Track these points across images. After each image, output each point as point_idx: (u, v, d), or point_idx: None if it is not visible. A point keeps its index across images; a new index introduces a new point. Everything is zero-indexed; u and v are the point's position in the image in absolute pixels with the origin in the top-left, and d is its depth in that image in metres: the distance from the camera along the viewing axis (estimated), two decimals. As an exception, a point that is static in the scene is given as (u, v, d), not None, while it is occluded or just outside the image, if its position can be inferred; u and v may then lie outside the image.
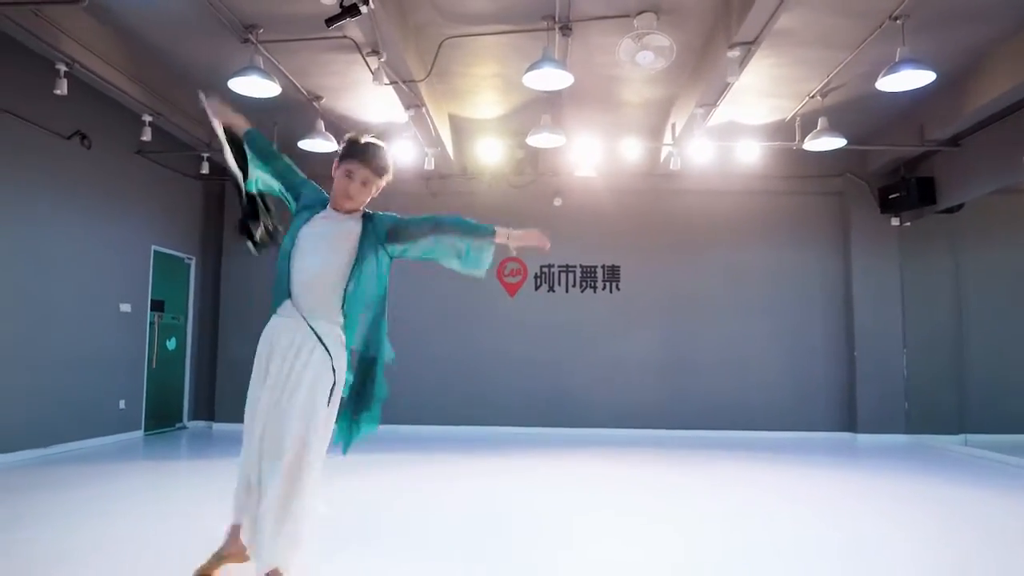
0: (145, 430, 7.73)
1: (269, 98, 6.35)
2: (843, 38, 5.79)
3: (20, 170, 6.05)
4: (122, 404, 7.30)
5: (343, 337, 2.67)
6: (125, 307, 7.35)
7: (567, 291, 8.87)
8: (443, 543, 3.62)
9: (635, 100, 7.46)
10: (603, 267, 8.86)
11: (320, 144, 7.26)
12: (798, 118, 7.36)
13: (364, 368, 2.78)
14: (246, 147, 2.82)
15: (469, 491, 5.09)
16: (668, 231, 8.86)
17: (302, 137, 7.26)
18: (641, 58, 5.59)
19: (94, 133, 6.86)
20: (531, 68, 5.42)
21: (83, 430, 6.74)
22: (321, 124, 7.24)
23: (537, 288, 8.87)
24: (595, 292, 8.85)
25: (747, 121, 7.76)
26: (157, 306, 8.05)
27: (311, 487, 2.49)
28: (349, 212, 2.74)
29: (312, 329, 2.58)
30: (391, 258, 2.80)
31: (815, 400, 8.60)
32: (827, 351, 8.67)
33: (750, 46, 5.27)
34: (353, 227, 2.73)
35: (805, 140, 7.13)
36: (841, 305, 8.72)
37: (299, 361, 2.55)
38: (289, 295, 2.64)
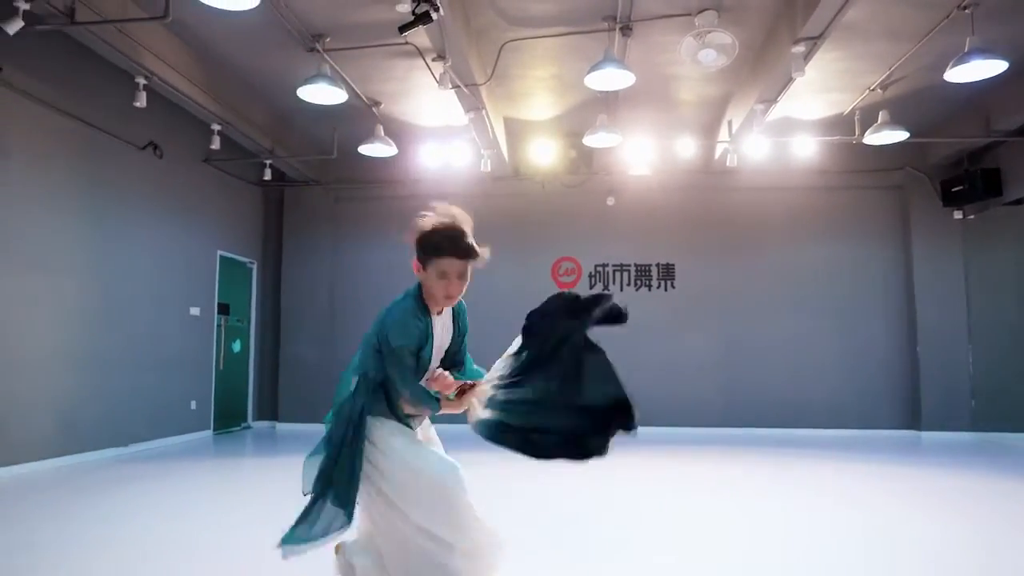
0: (214, 430, 7.98)
1: (326, 105, 6.54)
2: (909, 29, 5.71)
3: (99, 179, 6.32)
4: (193, 405, 7.55)
5: None
6: (195, 311, 7.60)
7: (621, 289, 8.88)
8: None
9: (691, 98, 7.46)
10: (658, 265, 8.86)
11: (379, 148, 7.42)
12: (857, 112, 7.27)
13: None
14: None
15: (521, 492, 5.14)
16: (723, 228, 8.82)
17: (361, 142, 7.43)
18: (703, 56, 5.61)
19: (165, 143, 7.12)
20: (593, 69, 5.48)
21: (158, 430, 6.99)
22: (380, 129, 7.39)
23: (592, 287, 8.90)
24: (650, 290, 8.85)
25: (804, 116, 7.69)
26: (223, 309, 8.30)
27: None
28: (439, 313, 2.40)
29: None
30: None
31: (877, 397, 8.46)
32: (889, 347, 8.53)
33: (816, 41, 5.24)
34: (449, 324, 2.51)
35: (865, 134, 7.04)
36: (903, 300, 8.58)
37: None
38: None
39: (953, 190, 8.13)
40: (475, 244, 2.34)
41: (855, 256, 8.67)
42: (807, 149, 7.83)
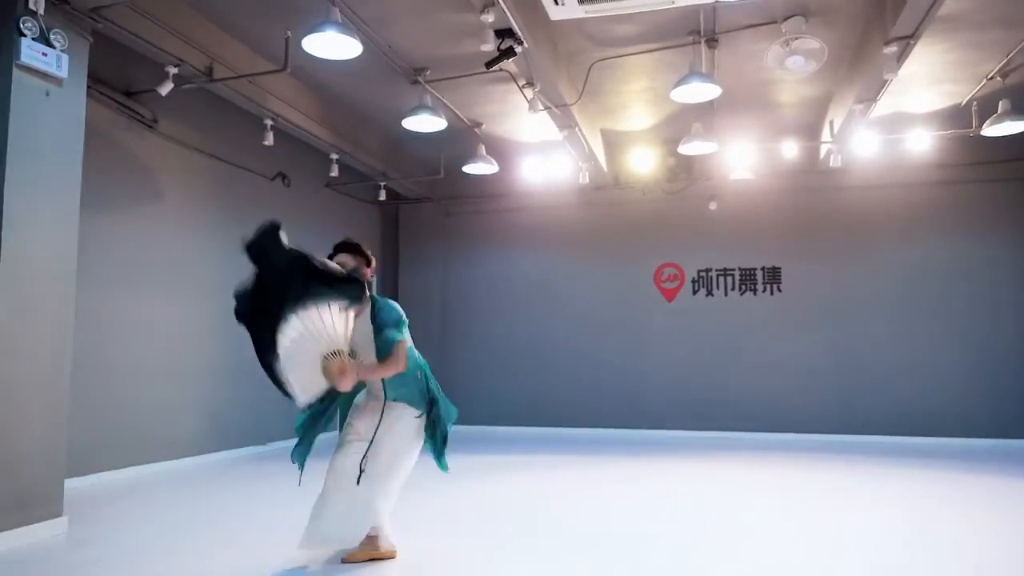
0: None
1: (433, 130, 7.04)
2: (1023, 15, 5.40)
3: (236, 209, 7.16)
4: (322, 407, 8.33)
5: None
6: (322, 322, 8.37)
7: (726, 294, 8.84)
8: (610, 548, 3.92)
9: (790, 100, 7.34)
10: (763, 269, 8.74)
11: (482, 167, 7.86)
12: (975, 102, 6.88)
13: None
14: None
15: (629, 495, 5.34)
16: (831, 229, 8.56)
17: (465, 162, 7.90)
18: (791, 63, 5.58)
19: (292, 173, 7.92)
20: (679, 84, 5.60)
21: (292, 429, 7.77)
22: (482, 148, 7.83)
23: (695, 292, 8.92)
24: (755, 295, 8.75)
25: (916, 110, 7.35)
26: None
27: None
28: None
29: None
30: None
31: (1007, 404, 7.91)
32: (1021, 351, 7.94)
33: (908, 40, 5.09)
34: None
35: (984, 125, 6.66)
36: (1037, 300, 7.97)
37: None
38: None
39: (1094, 179, 7.47)
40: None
41: (979, 253, 8.14)
42: (921, 144, 7.47)
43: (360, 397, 3.64)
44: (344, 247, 3.56)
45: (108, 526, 4.18)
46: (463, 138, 8.05)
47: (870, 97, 6.17)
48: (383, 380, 3.37)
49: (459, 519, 4.50)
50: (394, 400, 3.38)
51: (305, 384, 3.17)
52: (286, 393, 3.16)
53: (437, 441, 3.52)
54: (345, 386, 3.19)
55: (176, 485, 5.54)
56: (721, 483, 5.76)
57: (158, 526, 4.20)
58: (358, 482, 3.27)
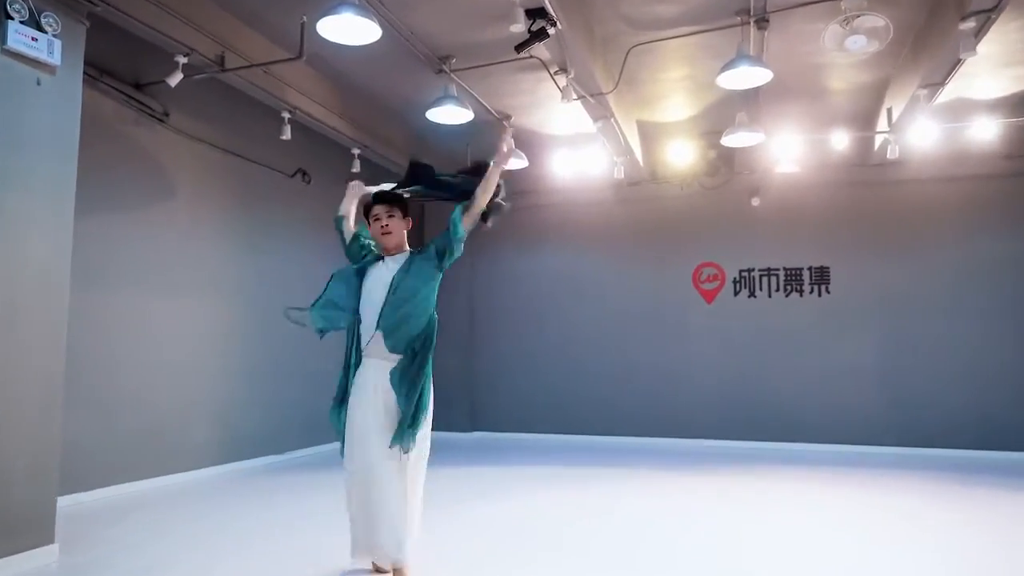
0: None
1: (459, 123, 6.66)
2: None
3: (254, 207, 6.85)
4: (344, 414, 7.99)
5: None
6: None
7: (770, 296, 8.30)
8: (639, 570, 3.49)
9: (842, 87, 6.80)
10: (810, 269, 8.18)
11: (512, 162, 7.43)
12: (1050, 88, 6.28)
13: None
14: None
15: (662, 511, 4.89)
16: (885, 226, 7.97)
17: (491, 155, 7.47)
18: (851, 43, 5.08)
19: (313, 169, 7.59)
20: (725, 68, 5.13)
21: (312, 438, 7.47)
22: (512, 142, 7.40)
23: (736, 293, 8.40)
24: (801, 296, 8.20)
25: (981, 96, 6.76)
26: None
27: None
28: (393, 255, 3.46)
29: None
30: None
31: (1084, 416, 7.27)
32: (1099, 358, 7.30)
33: (989, 14, 4.55)
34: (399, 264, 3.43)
35: (1061, 113, 6.06)
36: (1116, 302, 7.31)
37: None
38: None
39: None
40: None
41: (1052, 251, 7.50)
42: (986, 133, 6.87)
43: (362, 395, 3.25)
44: (390, 198, 3.46)
45: (105, 551, 3.84)
46: (491, 131, 7.63)
47: (938, 81, 5.62)
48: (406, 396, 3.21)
49: (481, 534, 4.22)
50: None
51: None
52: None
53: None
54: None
55: (185, 501, 5.21)
56: (766, 501, 5.28)
57: (161, 550, 3.86)
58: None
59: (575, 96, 5.80)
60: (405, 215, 3.43)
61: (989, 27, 4.71)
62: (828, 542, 4.11)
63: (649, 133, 8.08)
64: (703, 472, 6.52)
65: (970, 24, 4.62)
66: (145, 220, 5.69)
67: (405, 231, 3.42)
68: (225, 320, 6.46)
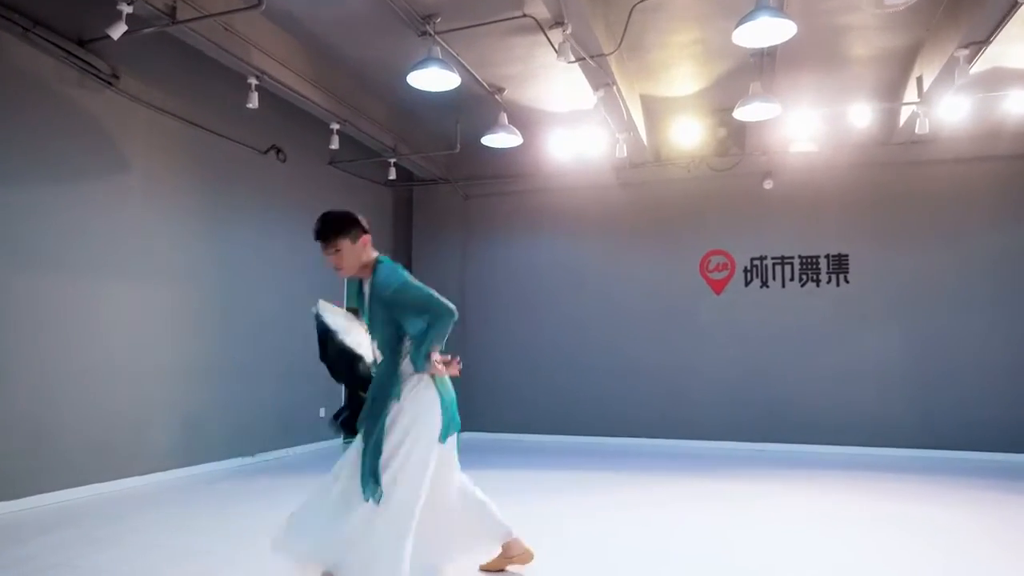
0: (344, 438, 7.78)
1: (449, 95, 6.05)
2: None
3: (221, 186, 6.24)
4: (322, 412, 7.38)
5: None
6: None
7: (783, 286, 7.68)
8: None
9: (867, 53, 6.19)
10: (827, 257, 7.56)
11: (504, 139, 6.84)
12: (1099, 53, 5.67)
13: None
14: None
15: (663, 520, 4.27)
16: (911, 210, 7.35)
17: (484, 132, 6.87)
18: (889, -6, 4.46)
19: (288, 147, 6.98)
20: (743, 21, 4.51)
21: (285, 439, 6.87)
22: (504, 117, 6.80)
23: (748, 284, 7.78)
24: (818, 286, 7.57)
25: (1019, 65, 6.14)
26: (352, 314, 8.09)
27: None
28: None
29: None
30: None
31: None
32: None
33: (1051, -48, 3.94)
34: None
35: (1113, 79, 5.45)
36: None
37: None
38: None
39: None
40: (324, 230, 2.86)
41: (1093, 237, 6.88)
42: (1025, 106, 6.26)
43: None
44: (321, 234, 2.89)
45: (27, 569, 3.24)
46: (482, 107, 7.03)
47: (981, 38, 4.99)
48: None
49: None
50: None
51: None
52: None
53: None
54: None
55: (138, 506, 4.61)
56: (778, 507, 4.69)
57: (101, 564, 3.26)
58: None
59: (572, 58, 5.19)
60: (343, 242, 2.88)
61: (1049, -33, 4.09)
62: (838, 550, 3.49)
63: (654, 109, 7.46)
64: (710, 477, 5.91)
65: (1027, -39, 4.00)
66: (92, 194, 5.08)
67: (357, 254, 2.90)
68: (187, 311, 5.84)
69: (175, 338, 5.72)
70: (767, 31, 4.62)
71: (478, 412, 8.28)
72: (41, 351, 4.67)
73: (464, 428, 9.64)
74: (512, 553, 3.18)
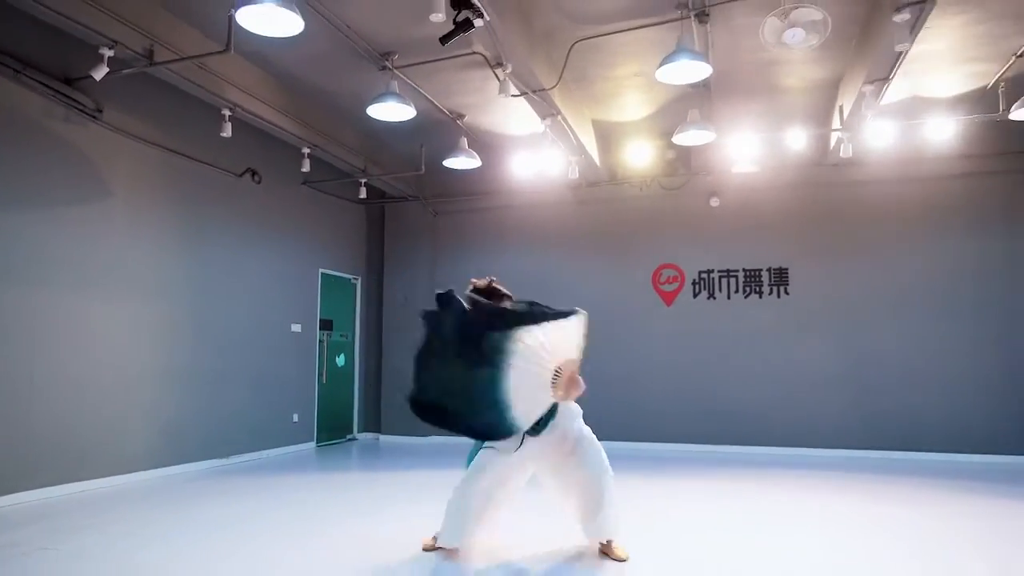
0: (317, 442, 8.26)
1: (414, 121, 6.52)
2: (1052, -20, 4.76)
3: (199, 208, 6.71)
4: (295, 418, 7.85)
5: None
6: (296, 327, 7.91)
7: (729, 297, 8.20)
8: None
9: (797, 84, 6.73)
10: (769, 270, 8.09)
11: (465, 161, 7.34)
12: (1002, 83, 6.21)
13: None
14: None
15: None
16: (844, 227, 7.88)
17: (449, 154, 7.37)
18: (790, 37, 4.96)
19: (263, 169, 7.47)
20: (665, 62, 5.04)
21: (259, 442, 7.32)
22: (464, 141, 7.31)
23: (696, 295, 8.30)
24: (760, 298, 8.10)
25: (937, 94, 6.69)
26: (326, 325, 8.58)
27: None
28: None
29: None
30: None
31: (1043, 417, 7.18)
32: (1058, 358, 7.20)
33: (922, 5, 4.48)
34: None
35: (1012, 108, 5.99)
36: (1075, 303, 7.23)
37: None
38: None
39: None
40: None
41: (1007, 251, 7.39)
42: (943, 131, 6.79)
43: None
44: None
45: (12, 552, 3.70)
46: (445, 131, 7.54)
47: (882, 76, 5.54)
48: None
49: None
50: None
51: (529, 410, 3.26)
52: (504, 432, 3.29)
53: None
54: (577, 393, 3.45)
55: (117, 502, 5.06)
56: (725, 505, 5.16)
57: (83, 547, 3.72)
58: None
59: (516, 92, 5.71)
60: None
61: (924, 20, 4.62)
62: (780, 544, 3.99)
63: (606, 133, 7.99)
64: (664, 476, 6.39)
65: (904, 16, 4.53)
66: (78, 219, 5.56)
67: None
68: (167, 324, 6.32)
69: (154, 348, 6.18)
70: (686, 71, 5.15)
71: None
72: (30, 360, 5.13)
73: (437, 432, 10.02)
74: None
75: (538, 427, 3.48)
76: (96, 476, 5.59)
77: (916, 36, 4.79)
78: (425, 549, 3.77)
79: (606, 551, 3.67)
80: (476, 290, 3.61)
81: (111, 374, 5.76)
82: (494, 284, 3.74)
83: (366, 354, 9.35)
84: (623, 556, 3.64)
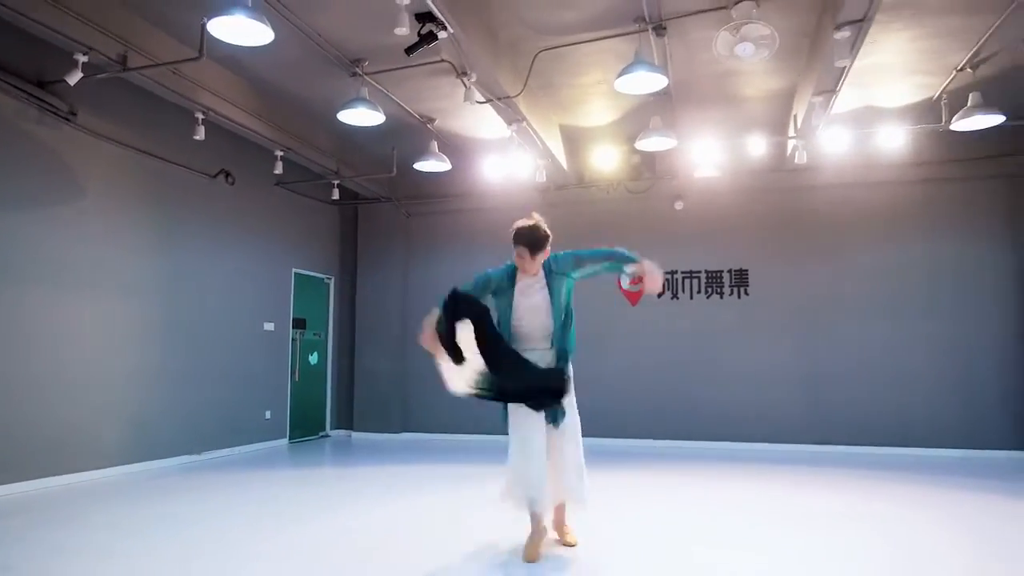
0: (290, 439, 8.41)
1: (385, 124, 6.67)
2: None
3: (172, 209, 6.84)
4: (268, 415, 7.99)
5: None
6: (269, 326, 8.05)
7: (691, 298, 8.48)
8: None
9: (755, 93, 7.00)
10: (730, 271, 8.38)
11: (434, 165, 7.53)
12: (945, 96, 6.54)
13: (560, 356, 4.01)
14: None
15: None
16: (801, 230, 8.20)
17: (418, 158, 7.56)
18: (741, 50, 5.23)
19: (237, 170, 7.60)
20: (623, 72, 5.28)
21: (232, 438, 7.46)
22: (435, 145, 7.50)
23: (660, 295, 8.57)
24: (722, 298, 8.39)
25: (887, 104, 7.01)
26: (299, 324, 8.73)
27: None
28: (533, 275, 3.80)
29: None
30: (573, 280, 3.89)
31: (988, 414, 7.53)
32: (1003, 358, 7.56)
33: (861, 24, 4.75)
34: (540, 282, 3.82)
35: (953, 119, 6.31)
36: (1018, 304, 7.59)
37: None
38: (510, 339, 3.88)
39: (1075, 177, 7.11)
40: (537, 239, 3.76)
41: (960, 254, 7.74)
42: (893, 140, 7.11)
43: None
44: (521, 239, 3.75)
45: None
46: (416, 135, 7.72)
47: (829, 88, 5.83)
48: (565, 345, 4.03)
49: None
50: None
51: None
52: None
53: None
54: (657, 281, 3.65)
55: (88, 500, 5.19)
56: (679, 497, 5.41)
57: (61, 540, 3.86)
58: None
59: (480, 99, 5.91)
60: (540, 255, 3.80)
61: (864, 37, 4.90)
62: (737, 536, 4.23)
63: (573, 137, 8.23)
64: (628, 471, 6.63)
65: (845, 34, 4.81)
66: (51, 220, 5.67)
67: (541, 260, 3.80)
68: (141, 322, 6.44)
69: (128, 346, 6.30)
70: (644, 81, 5.39)
71: (416, 415, 8.97)
72: (3, 356, 5.25)
73: (402, 429, 10.23)
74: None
75: (556, 420, 3.97)
76: (69, 471, 5.71)
77: (857, 53, 5.06)
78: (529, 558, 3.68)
79: (562, 535, 3.90)
80: (521, 229, 3.80)
81: (84, 372, 5.88)
82: (538, 223, 3.85)
83: (339, 352, 9.51)
84: (574, 541, 3.86)
